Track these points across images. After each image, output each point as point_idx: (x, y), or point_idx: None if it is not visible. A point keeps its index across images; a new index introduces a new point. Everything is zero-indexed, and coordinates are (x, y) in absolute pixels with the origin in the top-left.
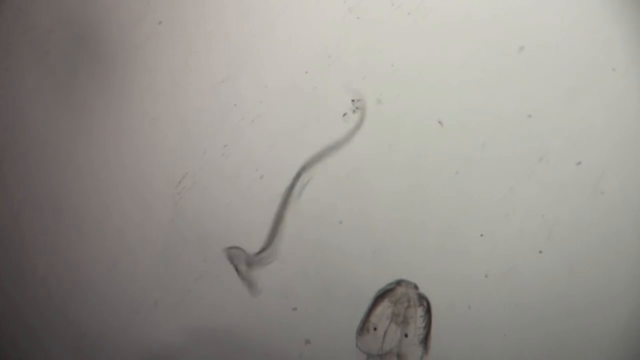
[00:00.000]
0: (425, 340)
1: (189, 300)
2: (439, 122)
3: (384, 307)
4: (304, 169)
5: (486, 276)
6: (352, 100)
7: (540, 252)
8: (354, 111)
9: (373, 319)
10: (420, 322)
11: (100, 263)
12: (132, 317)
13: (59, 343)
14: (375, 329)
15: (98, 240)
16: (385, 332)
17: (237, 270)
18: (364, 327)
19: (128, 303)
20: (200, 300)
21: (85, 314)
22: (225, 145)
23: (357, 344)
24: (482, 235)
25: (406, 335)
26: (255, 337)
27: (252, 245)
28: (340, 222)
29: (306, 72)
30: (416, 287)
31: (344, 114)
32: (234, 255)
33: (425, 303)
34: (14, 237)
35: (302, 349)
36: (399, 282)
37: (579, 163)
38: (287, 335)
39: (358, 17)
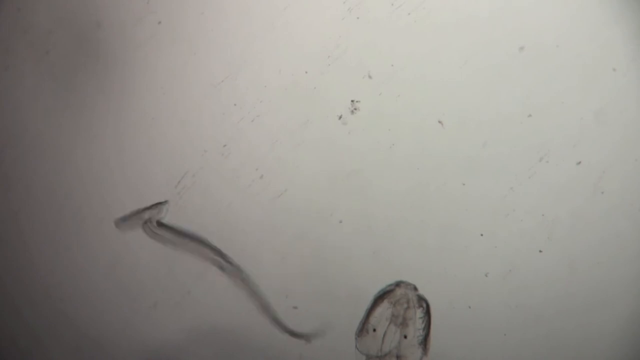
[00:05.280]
0: (425, 342)
1: (188, 301)
2: (439, 122)
3: (383, 309)
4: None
5: (486, 276)
6: (352, 101)
7: (540, 251)
8: (353, 112)
9: (372, 320)
10: (419, 324)
11: (100, 263)
12: (132, 317)
13: (59, 343)
14: (374, 330)
15: (98, 240)
16: (384, 334)
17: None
18: (363, 328)
19: (128, 303)
20: (200, 300)
21: (85, 314)
22: (225, 145)
23: (356, 345)
24: (482, 234)
25: (405, 337)
26: (255, 337)
27: (251, 244)
28: (340, 222)
29: (306, 72)
30: (415, 289)
31: (342, 115)
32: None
33: (424, 304)
34: (14, 237)
35: (302, 349)
36: (398, 284)
37: (579, 163)
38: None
39: (358, 17)
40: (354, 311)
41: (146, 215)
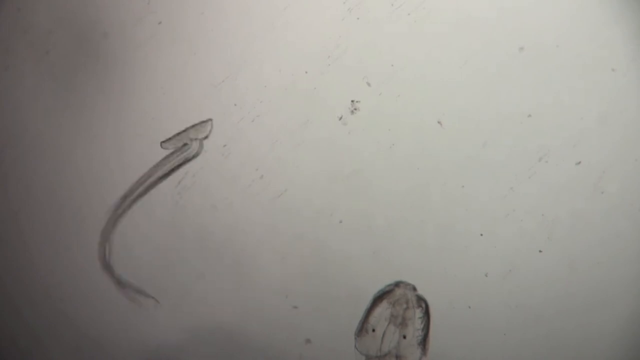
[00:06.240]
0: (424, 342)
1: (189, 301)
2: (439, 122)
3: (383, 309)
4: None
5: (486, 276)
6: (352, 101)
7: (540, 252)
8: (353, 112)
9: (372, 320)
10: (418, 324)
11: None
12: (132, 317)
13: (59, 343)
14: (373, 330)
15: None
16: (383, 334)
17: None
18: (362, 328)
19: (128, 303)
20: (200, 300)
21: (85, 314)
22: (225, 145)
23: (355, 346)
24: (482, 234)
25: (404, 337)
26: (255, 337)
27: (251, 244)
28: (340, 222)
29: (306, 72)
30: (414, 289)
31: (342, 115)
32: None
33: (423, 304)
34: (14, 237)
35: (302, 349)
36: (397, 284)
37: (579, 163)
38: (287, 334)
39: (358, 18)
40: (354, 311)
41: (191, 134)
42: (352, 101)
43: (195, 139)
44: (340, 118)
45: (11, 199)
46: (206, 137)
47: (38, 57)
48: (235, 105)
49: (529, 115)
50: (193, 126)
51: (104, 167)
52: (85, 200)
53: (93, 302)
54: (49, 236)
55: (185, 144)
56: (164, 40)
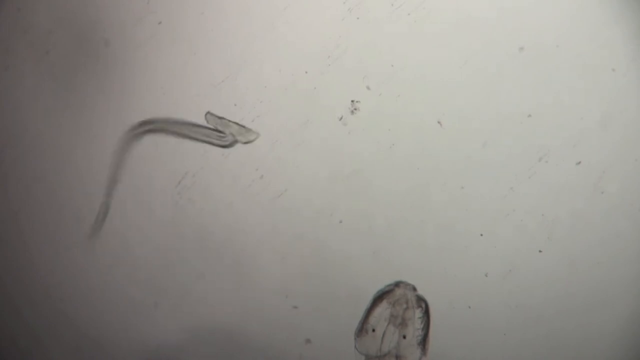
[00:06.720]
0: (424, 342)
1: (189, 301)
2: (439, 122)
3: (383, 309)
4: None
5: (486, 276)
6: (352, 101)
7: (540, 252)
8: (353, 112)
9: (371, 320)
10: (418, 324)
11: (100, 263)
12: (132, 318)
13: (59, 343)
14: (373, 330)
15: (98, 240)
16: (383, 334)
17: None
18: (362, 328)
19: (128, 303)
20: (200, 300)
21: (85, 314)
22: None
23: (355, 346)
24: (482, 234)
25: (404, 337)
26: (255, 337)
27: (251, 244)
28: (340, 222)
29: (306, 72)
30: (414, 289)
31: (342, 115)
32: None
33: (423, 305)
34: (14, 237)
35: (302, 349)
36: (397, 284)
37: (579, 163)
38: (287, 334)
39: (358, 18)
40: (354, 311)
41: (233, 129)
42: (352, 101)
43: (233, 136)
44: (340, 118)
45: (11, 199)
46: (246, 143)
47: (38, 57)
48: (235, 105)
49: (529, 115)
50: (241, 126)
51: (104, 167)
52: (85, 200)
53: (93, 302)
54: (49, 236)
55: (221, 132)
56: (164, 40)
